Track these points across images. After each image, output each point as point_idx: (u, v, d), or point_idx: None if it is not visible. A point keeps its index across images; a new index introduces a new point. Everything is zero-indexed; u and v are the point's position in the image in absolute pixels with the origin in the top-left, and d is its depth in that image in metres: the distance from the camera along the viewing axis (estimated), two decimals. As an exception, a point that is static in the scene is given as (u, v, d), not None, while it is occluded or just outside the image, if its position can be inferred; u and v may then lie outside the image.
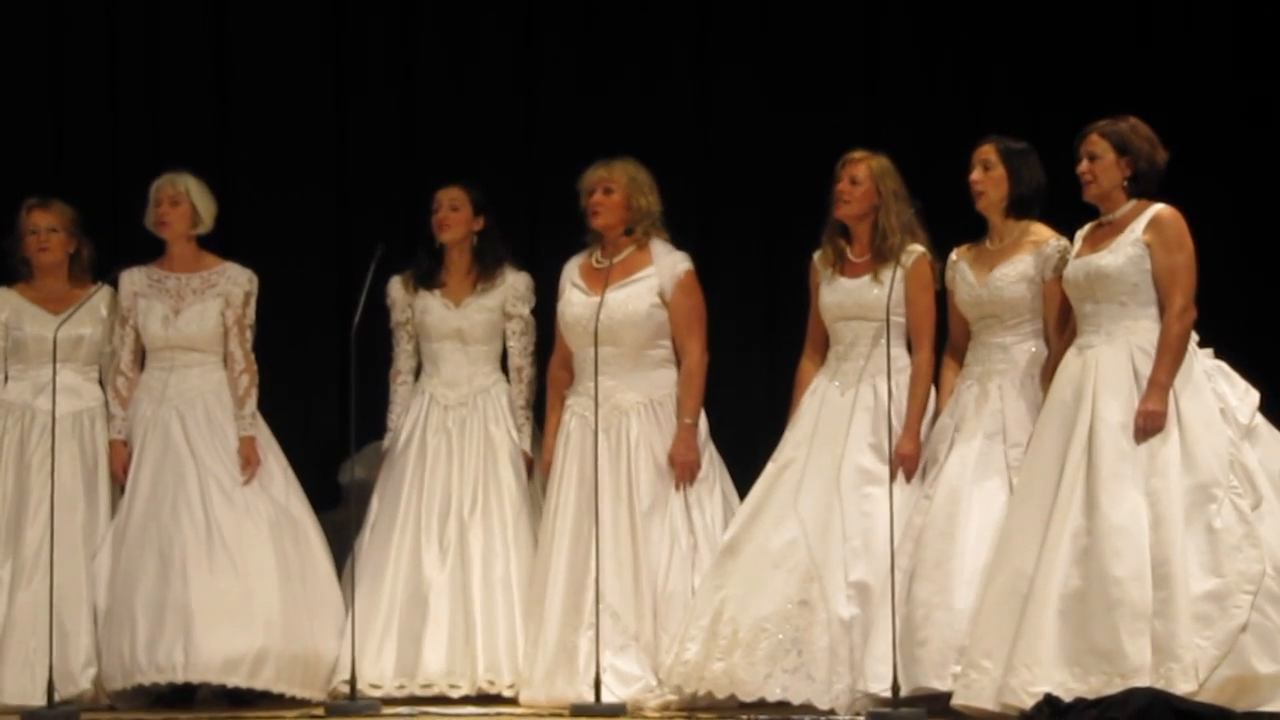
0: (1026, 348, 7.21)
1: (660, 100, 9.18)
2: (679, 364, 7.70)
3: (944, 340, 7.39)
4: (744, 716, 7.14)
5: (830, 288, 7.49)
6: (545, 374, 7.89)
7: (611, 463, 7.58)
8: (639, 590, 7.48)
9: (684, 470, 7.59)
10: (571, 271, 7.82)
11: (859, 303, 7.41)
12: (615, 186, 7.70)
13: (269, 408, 7.84)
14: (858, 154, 7.45)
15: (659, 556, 7.51)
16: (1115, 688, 6.48)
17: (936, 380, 7.36)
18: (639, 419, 7.62)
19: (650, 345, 7.68)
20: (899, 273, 7.30)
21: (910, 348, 7.40)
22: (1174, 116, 7.75)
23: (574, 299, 7.74)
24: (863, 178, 7.41)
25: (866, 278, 7.41)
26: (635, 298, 7.66)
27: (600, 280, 7.67)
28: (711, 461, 7.70)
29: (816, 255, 7.56)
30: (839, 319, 7.47)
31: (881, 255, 7.38)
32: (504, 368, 7.99)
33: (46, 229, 7.83)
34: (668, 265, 7.68)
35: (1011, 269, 7.19)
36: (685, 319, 7.67)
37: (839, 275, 7.48)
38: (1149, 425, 6.76)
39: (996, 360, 7.21)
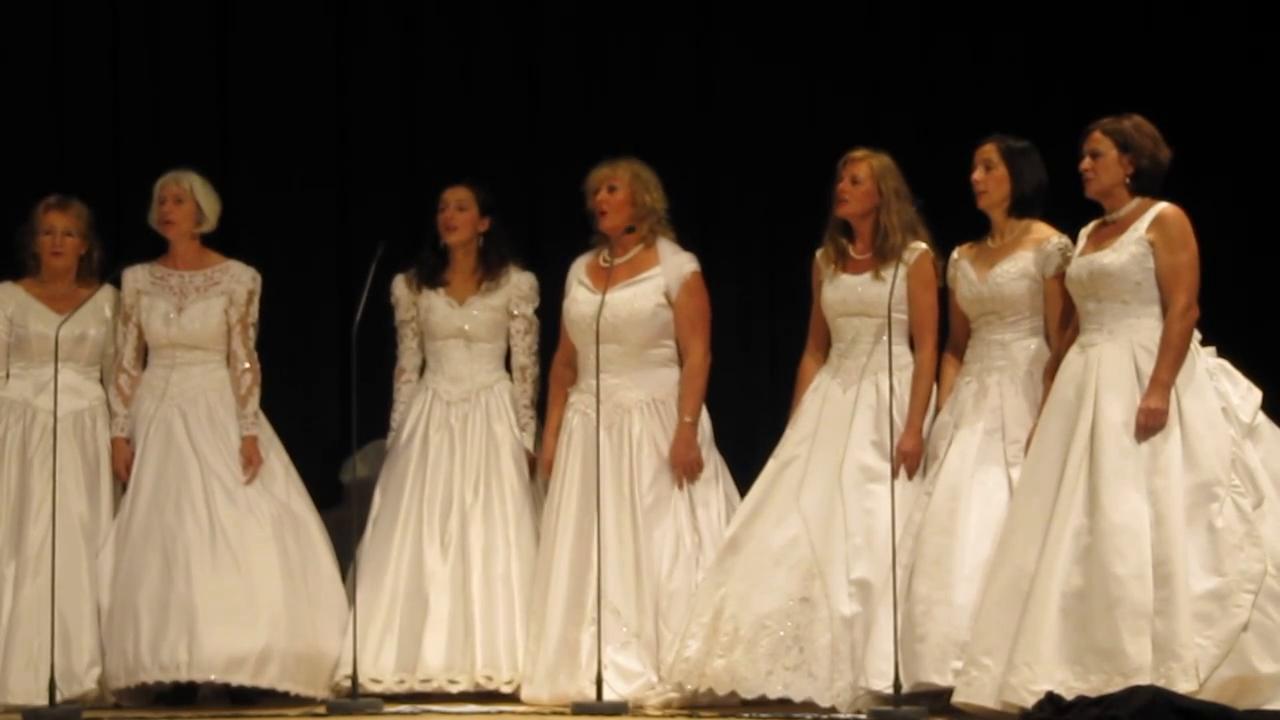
0: (1026, 345, 7.20)
1: (661, 97, 9.18)
2: (683, 363, 7.69)
3: (945, 337, 7.39)
4: (745, 714, 7.14)
5: (832, 284, 7.48)
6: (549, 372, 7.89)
7: (614, 460, 7.58)
8: (640, 587, 7.48)
9: (684, 469, 7.58)
10: (578, 269, 7.80)
11: (861, 299, 7.40)
12: (619, 184, 7.69)
13: (270, 406, 7.83)
14: (859, 153, 7.44)
15: (661, 554, 7.51)
16: (1115, 686, 6.48)
17: (937, 377, 7.36)
18: (641, 417, 7.61)
19: (654, 344, 7.67)
20: (901, 270, 7.30)
21: (912, 345, 7.39)
22: (1179, 111, 7.76)
23: (579, 297, 7.73)
24: (863, 177, 7.39)
25: (868, 274, 7.40)
26: (640, 297, 7.65)
27: (606, 279, 7.66)
28: (715, 461, 7.69)
29: (819, 253, 7.55)
30: (841, 315, 7.46)
31: (883, 253, 7.38)
32: (508, 366, 7.97)
33: (62, 232, 7.79)
34: (674, 266, 7.67)
35: (1012, 266, 7.18)
36: (690, 320, 7.65)
37: (841, 272, 7.47)
38: (1150, 423, 6.75)
39: (996, 357, 7.20)
